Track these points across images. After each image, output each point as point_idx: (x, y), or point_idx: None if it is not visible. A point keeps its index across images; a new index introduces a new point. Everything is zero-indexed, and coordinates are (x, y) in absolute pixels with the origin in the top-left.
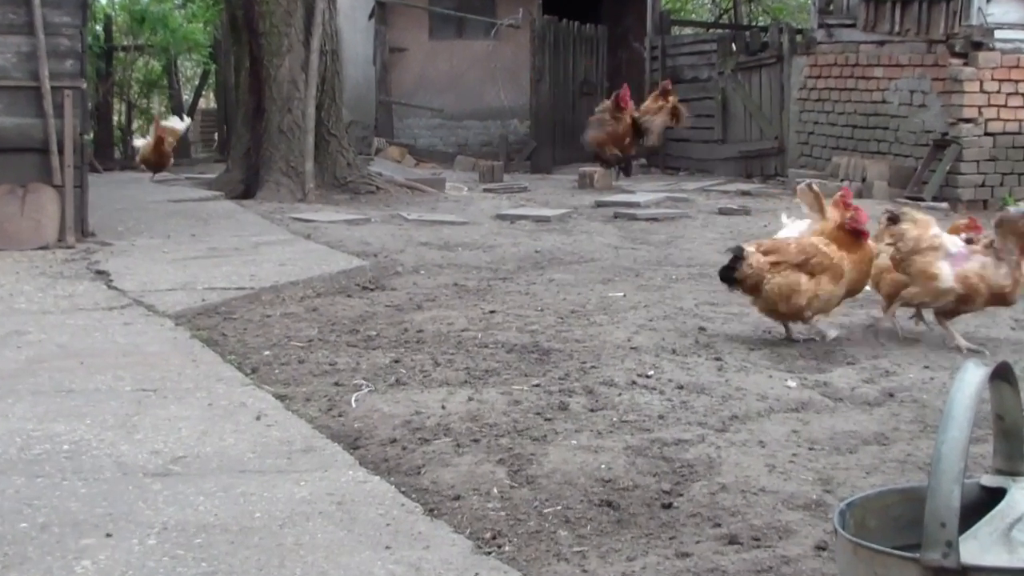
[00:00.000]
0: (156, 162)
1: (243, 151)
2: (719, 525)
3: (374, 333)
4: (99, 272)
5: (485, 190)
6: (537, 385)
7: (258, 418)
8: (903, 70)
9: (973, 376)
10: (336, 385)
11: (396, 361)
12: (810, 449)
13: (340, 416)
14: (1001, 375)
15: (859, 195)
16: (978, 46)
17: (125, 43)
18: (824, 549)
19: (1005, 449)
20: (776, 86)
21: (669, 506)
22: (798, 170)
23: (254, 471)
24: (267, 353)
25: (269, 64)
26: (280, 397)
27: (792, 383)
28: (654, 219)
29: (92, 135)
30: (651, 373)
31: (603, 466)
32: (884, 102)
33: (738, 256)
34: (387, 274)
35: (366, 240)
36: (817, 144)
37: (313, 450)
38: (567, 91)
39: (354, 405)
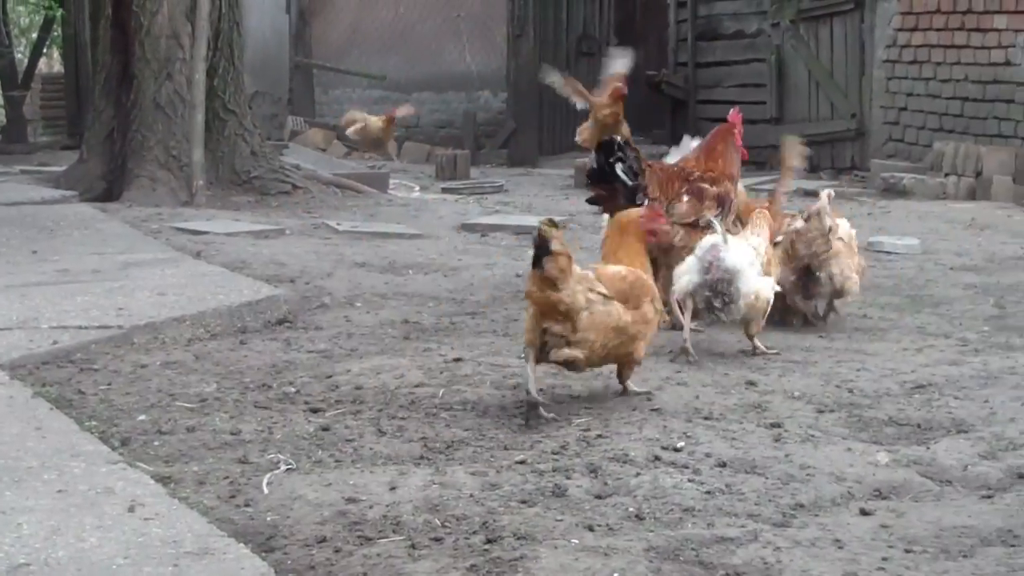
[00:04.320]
0: None
1: (104, 134)
2: None
3: (293, 390)
4: None
5: (445, 190)
6: (522, 462)
7: (131, 509)
8: None
9: None
10: (241, 462)
11: (325, 429)
12: (907, 551)
13: (247, 506)
14: None
15: (971, 195)
16: None
17: None
18: None
19: None
20: (854, 42)
21: None
22: (885, 161)
23: None
24: (143, 418)
25: (140, 9)
26: (162, 479)
27: (881, 458)
28: None
29: None
30: (681, 445)
31: (616, 575)
32: (1008, 64)
33: None
34: (309, 307)
35: (279, 259)
36: (912, 125)
37: (210, 553)
38: (559, 50)
39: (266, 490)
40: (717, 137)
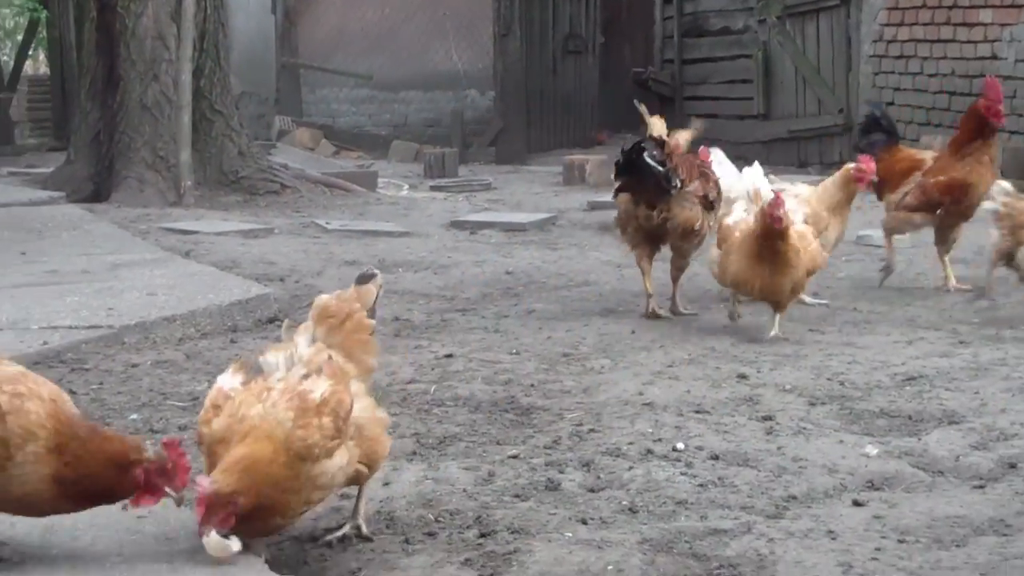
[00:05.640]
0: None
1: (91, 135)
2: None
3: None
4: None
5: (433, 188)
6: (515, 456)
7: (126, 507)
8: (1022, 12)
9: None
10: None
11: None
12: (900, 541)
13: None
14: None
15: None
16: None
17: None
18: None
19: None
20: (841, 38)
21: None
22: None
23: None
24: (135, 417)
25: (125, 11)
26: None
27: (872, 450)
28: None
29: None
30: (673, 438)
31: (610, 567)
32: (995, 58)
33: None
34: (300, 305)
35: (269, 258)
36: (900, 119)
37: (204, 549)
38: (546, 49)
39: None
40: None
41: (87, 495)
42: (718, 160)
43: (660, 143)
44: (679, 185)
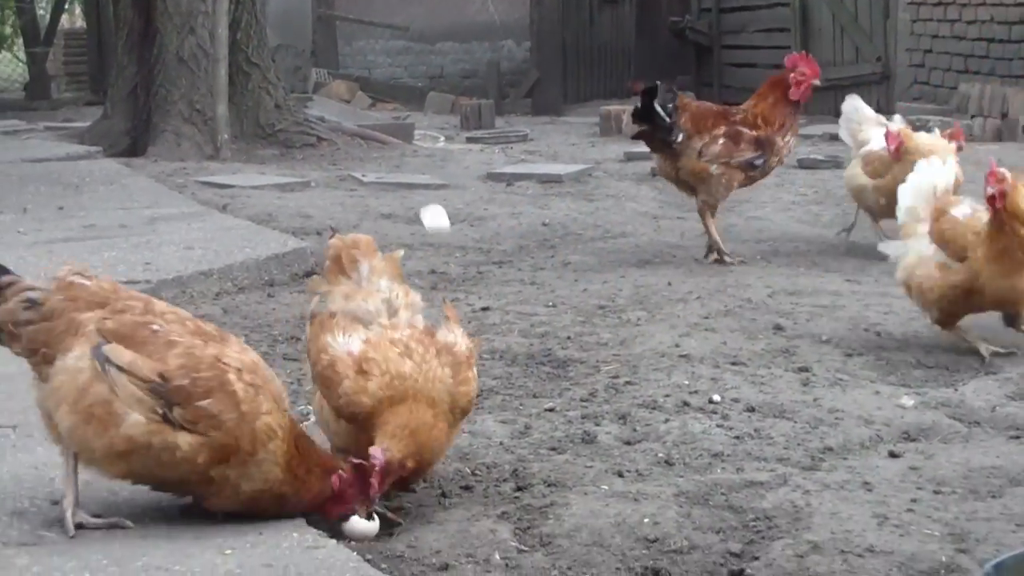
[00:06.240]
0: None
1: (127, 89)
2: None
3: None
4: None
5: (470, 139)
6: (551, 409)
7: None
8: None
9: None
10: None
11: None
12: (936, 492)
13: None
14: None
15: (998, 136)
16: None
17: None
18: None
19: None
20: None
21: (740, 574)
22: (910, 104)
23: (161, 536)
24: None
25: None
26: None
27: (908, 401)
28: None
29: None
30: (709, 391)
31: (646, 520)
32: None
33: None
34: None
35: (305, 212)
36: (937, 67)
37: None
38: None
39: None
40: (768, 86)
41: (296, 502)
42: (855, 107)
43: (674, 94)
44: (679, 139)
